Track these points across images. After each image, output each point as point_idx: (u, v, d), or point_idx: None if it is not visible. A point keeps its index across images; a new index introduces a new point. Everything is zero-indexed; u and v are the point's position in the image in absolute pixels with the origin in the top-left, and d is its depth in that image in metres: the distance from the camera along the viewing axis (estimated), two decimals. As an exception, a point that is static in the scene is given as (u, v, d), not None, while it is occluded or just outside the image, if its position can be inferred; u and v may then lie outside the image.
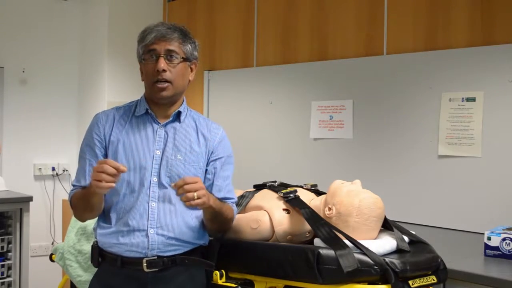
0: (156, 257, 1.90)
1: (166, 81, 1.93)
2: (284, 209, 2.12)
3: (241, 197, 2.29)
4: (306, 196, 2.19)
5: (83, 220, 2.06)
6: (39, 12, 4.58)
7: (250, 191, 2.34)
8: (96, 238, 2.00)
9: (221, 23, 4.34)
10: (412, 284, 1.81)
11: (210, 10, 4.43)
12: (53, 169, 4.64)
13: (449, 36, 3.05)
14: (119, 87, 4.55)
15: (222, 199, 2.01)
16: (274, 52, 3.96)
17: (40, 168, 4.59)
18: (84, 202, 1.91)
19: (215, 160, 2.04)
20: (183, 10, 4.66)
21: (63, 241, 3.04)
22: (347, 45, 3.52)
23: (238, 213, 2.18)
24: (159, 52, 1.93)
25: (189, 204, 1.78)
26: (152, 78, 1.93)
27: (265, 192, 2.28)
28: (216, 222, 1.99)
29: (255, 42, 4.10)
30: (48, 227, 4.62)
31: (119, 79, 4.56)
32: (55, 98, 4.67)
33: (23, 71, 4.50)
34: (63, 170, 4.68)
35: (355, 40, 3.48)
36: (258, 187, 2.36)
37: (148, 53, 1.94)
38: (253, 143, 4.00)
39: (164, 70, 1.91)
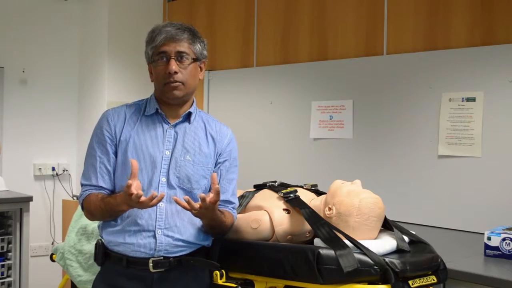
0: (162, 258, 1.89)
1: (178, 82, 1.92)
2: (284, 209, 2.12)
3: (241, 197, 2.29)
4: (306, 196, 2.19)
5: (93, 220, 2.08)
6: (39, 12, 4.58)
7: (250, 191, 2.34)
8: (101, 236, 1.99)
9: (221, 23, 4.34)
10: (412, 284, 1.81)
11: (210, 10, 4.43)
12: (53, 169, 4.64)
13: (449, 36, 3.05)
14: (119, 87, 4.54)
15: (225, 202, 2.01)
16: (274, 52, 3.96)
17: (40, 168, 4.59)
18: (110, 213, 1.91)
19: (223, 162, 2.03)
20: (183, 10, 4.66)
21: (63, 241, 3.04)
22: (347, 45, 3.52)
23: (238, 213, 2.18)
24: (169, 54, 1.91)
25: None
26: (163, 80, 1.92)
27: (265, 192, 2.28)
28: (215, 231, 2.00)
29: (255, 42, 4.10)
30: (48, 227, 4.62)
31: (119, 79, 4.55)
32: (55, 98, 4.67)
33: (23, 71, 4.50)
34: (63, 170, 4.68)
35: (355, 40, 3.48)
36: (258, 187, 2.36)
37: (158, 55, 1.92)
38: (253, 143, 4.00)
39: (175, 72, 1.90)
